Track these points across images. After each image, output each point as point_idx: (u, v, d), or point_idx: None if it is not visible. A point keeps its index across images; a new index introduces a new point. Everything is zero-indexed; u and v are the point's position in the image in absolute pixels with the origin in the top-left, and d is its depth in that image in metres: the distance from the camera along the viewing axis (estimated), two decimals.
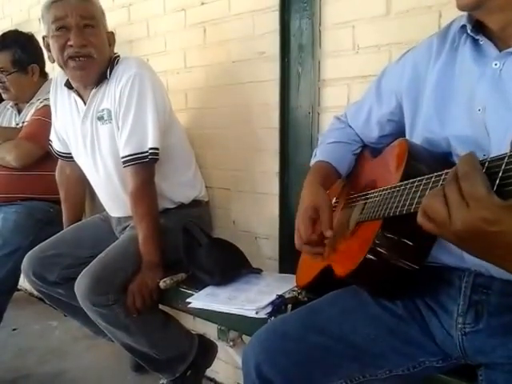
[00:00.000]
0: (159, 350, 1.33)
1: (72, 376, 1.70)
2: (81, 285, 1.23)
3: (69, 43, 1.25)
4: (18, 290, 2.20)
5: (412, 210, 0.59)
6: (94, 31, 1.29)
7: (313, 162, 0.96)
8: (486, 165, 0.48)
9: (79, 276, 1.24)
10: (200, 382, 1.46)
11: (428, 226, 0.51)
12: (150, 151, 1.29)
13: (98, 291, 1.21)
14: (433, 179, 0.57)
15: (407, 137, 0.82)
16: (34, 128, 1.75)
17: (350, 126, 0.98)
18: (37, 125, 1.74)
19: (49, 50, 1.33)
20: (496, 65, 0.66)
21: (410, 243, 0.70)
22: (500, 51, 0.66)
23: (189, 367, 1.38)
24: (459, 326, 0.72)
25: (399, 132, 0.87)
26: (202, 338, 1.45)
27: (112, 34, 1.38)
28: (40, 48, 1.83)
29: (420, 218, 0.52)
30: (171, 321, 1.40)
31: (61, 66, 1.32)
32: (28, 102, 1.85)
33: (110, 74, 1.33)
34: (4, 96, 1.89)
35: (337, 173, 0.93)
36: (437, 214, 0.50)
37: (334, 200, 0.92)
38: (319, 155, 0.95)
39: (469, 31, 0.70)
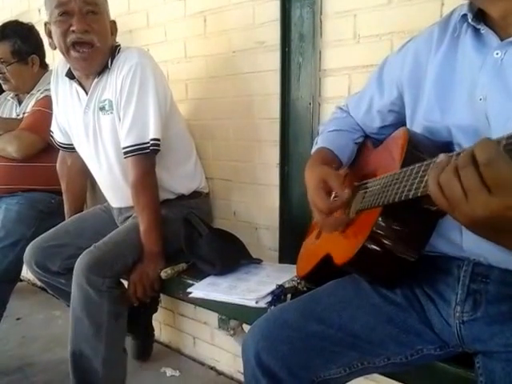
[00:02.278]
0: (106, 369, 1.27)
1: None
2: (80, 264, 1.23)
3: (71, 28, 1.24)
4: (21, 280, 2.22)
5: (411, 197, 0.59)
6: (97, 18, 1.28)
7: (314, 149, 0.96)
8: (504, 143, 0.46)
9: (80, 256, 1.24)
10: None
11: (440, 201, 0.51)
12: (152, 142, 1.29)
13: (95, 271, 1.21)
14: (431, 165, 0.56)
15: (408, 126, 0.81)
16: (34, 119, 1.74)
17: (352, 116, 0.97)
18: (38, 116, 1.74)
19: (50, 37, 1.32)
20: (497, 54, 0.66)
21: (409, 231, 0.70)
22: (501, 40, 0.66)
23: None
24: (457, 314, 0.72)
25: (400, 122, 0.87)
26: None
27: (114, 22, 1.37)
28: (40, 39, 1.82)
29: (434, 190, 0.51)
30: (126, 360, 1.35)
31: (63, 53, 1.30)
32: (28, 93, 1.84)
33: (112, 63, 1.32)
34: (4, 87, 1.88)
35: (338, 160, 0.91)
36: (453, 193, 0.49)
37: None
38: (320, 143, 0.94)
39: (470, 20, 0.69)
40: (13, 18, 1.95)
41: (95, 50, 1.28)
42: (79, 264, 1.23)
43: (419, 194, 0.57)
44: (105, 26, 1.31)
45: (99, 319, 1.24)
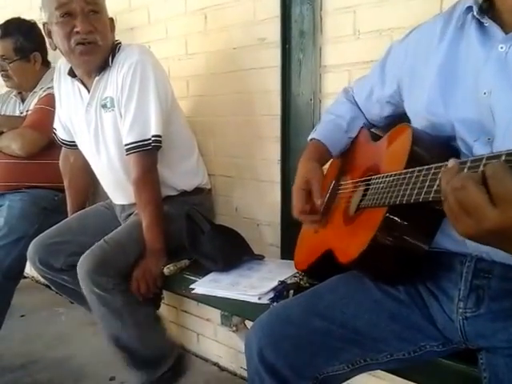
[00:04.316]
0: (146, 346, 1.31)
1: (78, 361, 1.73)
2: (83, 265, 1.23)
3: (75, 30, 1.24)
4: (25, 277, 2.23)
5: (421, 200, 0.58)
6: (99, 17, 1.28)
7: (311, 136, 0.99)
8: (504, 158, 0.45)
9: (82, 256, 1.25)
10: None
11: (446, 205, 0.50)
12: (153, 139, 1.29)
13: (99, 272, 1.22)
14: (442, 169, 0.55)
15: (409, 120, 0.81)
16: (38, 116, 1.75)
17: (356, 101, 0.99)
18: (40, 113, 1.75)
19: (50, 37, 1.32)
20: (502, 48, 0.65)
21: (415, 230, 0.69)
22: (506, 34, 0.65)
23: (167, 371, 1.34)
24: (460, 310, 0.72)
25: (398, 114, 0.88)
26: (180, 350, 1.43)
27: (112, 20, 1.37)
28: (42, 36, 1.81)
29: (445, 194, 0.50)
30: (160, 320, 1.39)
31: (65, 53, 1.30)
32: (31, 91, 1.85)
33: (112, 61, 1.32)
34: (6, 84, 1.89)
35: (329, 154, 0.97)
36: (460, 202, 0.47)
37: (332, 184, 0.92)
38: (317, 132, 0.98)
39: (475, 13, 0.69)
40: (15, 16, 1.95)
41: (97, 47, 1.28)
42: (81, 267, 1.24)
43: (430, 199, 0.56)
44: (106, 24, 1.31)
45: (120, 311, 1.26)
